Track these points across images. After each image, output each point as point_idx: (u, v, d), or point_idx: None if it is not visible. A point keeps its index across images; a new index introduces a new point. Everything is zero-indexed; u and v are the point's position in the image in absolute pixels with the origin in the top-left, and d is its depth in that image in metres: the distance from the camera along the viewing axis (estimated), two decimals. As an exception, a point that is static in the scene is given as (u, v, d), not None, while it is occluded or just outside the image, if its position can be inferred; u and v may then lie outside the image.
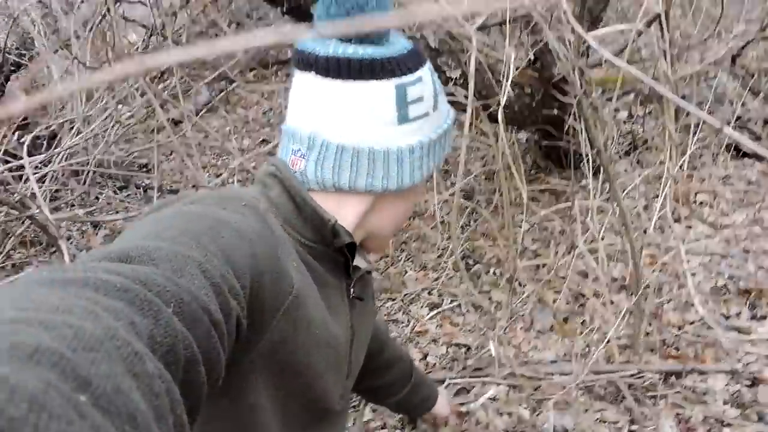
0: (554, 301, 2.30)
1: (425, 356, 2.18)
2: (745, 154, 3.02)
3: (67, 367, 0.35)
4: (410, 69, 0.80)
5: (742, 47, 3.36)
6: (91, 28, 3.62)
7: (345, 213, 0.84)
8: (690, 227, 2.58)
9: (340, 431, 0.94)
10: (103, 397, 0.35)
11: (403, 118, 0.80)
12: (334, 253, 0.84)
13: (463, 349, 2.20)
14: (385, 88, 0.78)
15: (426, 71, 0.83)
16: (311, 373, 0.76)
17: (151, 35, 3.18)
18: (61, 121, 2.66)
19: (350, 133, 0.79)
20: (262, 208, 0.75)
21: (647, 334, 2.07)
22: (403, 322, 2.37)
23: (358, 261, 0.91)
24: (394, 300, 2.50)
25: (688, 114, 3.01)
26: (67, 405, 0.33)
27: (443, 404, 1.64)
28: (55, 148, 2.54)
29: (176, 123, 3.79)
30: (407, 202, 0.91)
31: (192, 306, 0.50)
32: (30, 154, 3.14)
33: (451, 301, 2.43)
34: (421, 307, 2.44)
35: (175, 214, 0.64)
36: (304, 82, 0.81)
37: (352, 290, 0.89)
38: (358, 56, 0.77)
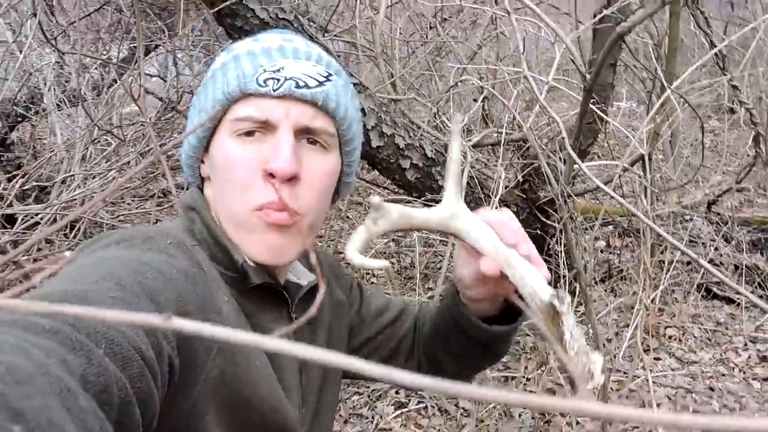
0: (520, 415, 2.31)
1: (387, 455, 2.15)
2: (715, 296, 3.14)
3: (0, 400, 0.35)
4: None
5: (719, 196, 3.56)
6: (99, 92, 3.77)
7: (215, 208, 0.81)
8: (658, 359, 2.64)
9: None
10: (38, 429, 0.35)
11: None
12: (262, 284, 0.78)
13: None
14: None
15: None
16: (263, 406, 0.72)
17: (165, 108, 3.33)
18: (63, 176, 2.72)
19: None
20: (189, 243, 0.73)
21: (611, 459, 2.08)
22: (367, 418, 2.35)
23: (293, 278, 0.85)
24: (360, 394, 2.49)
25: (662, 251, 3.14)
26: None
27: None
28: (54, 200, 2.58)
29: (164, 194, 3.87)
30: (215, 172, 0.78)
31: (123, 345, 0.50)
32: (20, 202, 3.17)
33: (418, 402, 2.42)
34: (387, 404, 2.43)
35: (99, 260, 0.63)
36: None
37: (293, 316, 0.82)
38: None
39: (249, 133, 0.75)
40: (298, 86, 0.74)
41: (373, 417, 2.38)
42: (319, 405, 0.87)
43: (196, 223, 0.78)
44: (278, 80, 0.74)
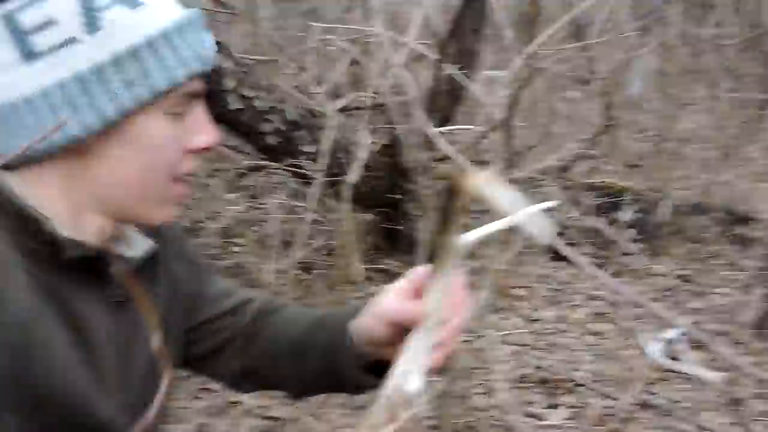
0: None
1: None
2: (562, 257, 3.34)
3: None
4: None
5: (569, 162, 3.77)
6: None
7: (44, 193, 0.66)
8: (506, 319, 2.78)
9: None
10: None
11: (29, 55, 0.61)
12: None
13: (279, 422, 2.18)
14: None
15: None
16: (69, 401, 0.65)
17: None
18: None
19: None
20: None
21: (456, 416, 2.17)
22: (216, 391, 2.28)
23: (122, 248, 0.74)
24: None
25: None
26: None
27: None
28: None
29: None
30: (127, 153, 0.66)
31: None
32: None
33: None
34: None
35: None
36: None
37: (117, 292, 0.73)
38: None
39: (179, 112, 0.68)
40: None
41: (221, 390, 2.34)
42: (146, 392, 0.77)
43: None
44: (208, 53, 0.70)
